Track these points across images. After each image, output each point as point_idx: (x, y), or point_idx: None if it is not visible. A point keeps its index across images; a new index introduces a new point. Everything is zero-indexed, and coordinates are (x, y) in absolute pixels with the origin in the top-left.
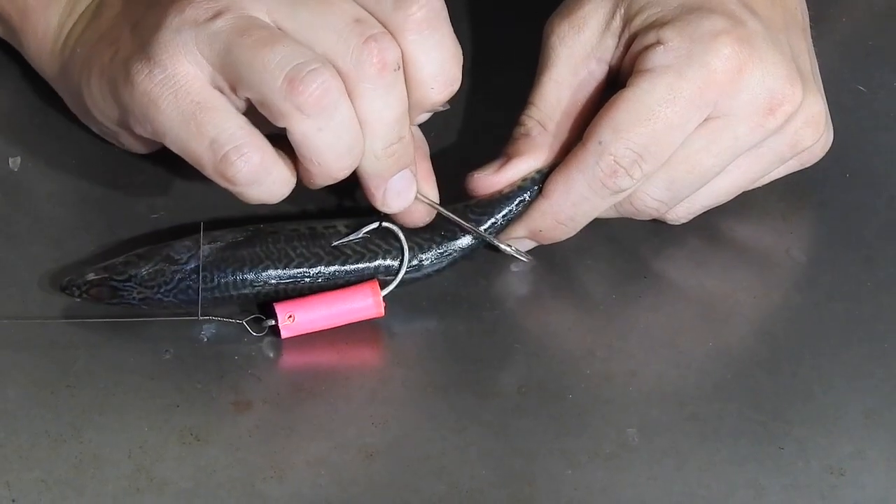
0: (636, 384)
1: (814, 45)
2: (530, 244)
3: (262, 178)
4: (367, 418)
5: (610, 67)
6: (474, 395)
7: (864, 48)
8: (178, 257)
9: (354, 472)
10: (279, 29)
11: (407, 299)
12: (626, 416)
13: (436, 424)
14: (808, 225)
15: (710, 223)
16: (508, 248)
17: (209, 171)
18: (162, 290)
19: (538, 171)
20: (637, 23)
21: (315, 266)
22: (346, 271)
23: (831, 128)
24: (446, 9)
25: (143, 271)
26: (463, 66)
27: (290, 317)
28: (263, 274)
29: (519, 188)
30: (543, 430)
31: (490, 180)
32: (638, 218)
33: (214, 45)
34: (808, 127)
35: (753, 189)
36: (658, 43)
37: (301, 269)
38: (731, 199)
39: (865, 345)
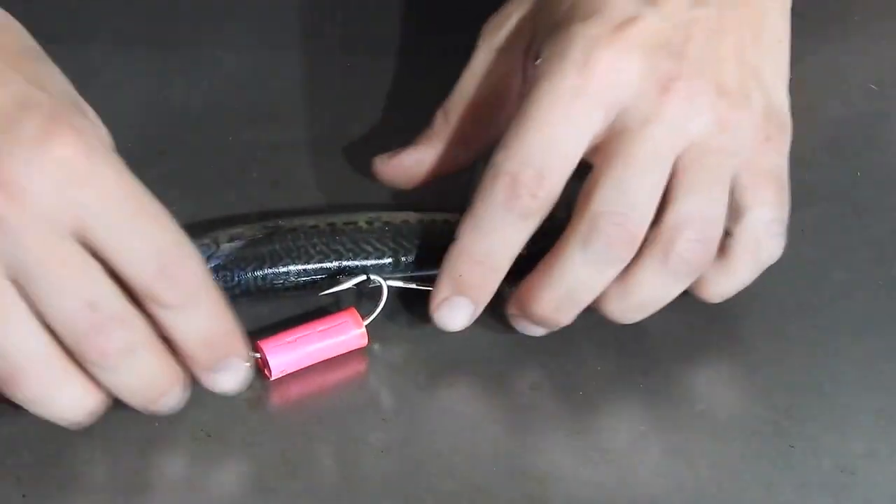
0: (647, 382)
1: (825, 44)
2: (466, 310)
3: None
4: (379, 415)
5: (525, 72)
6: (486, 392)
7: (877, 46)
8: None
9: (366, 469)
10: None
11: (420, 295)
12: (638, 413)
13: (447, 421)
14: (820, 223)
15: None
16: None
17: None
18: None
19: None
20: (539, 32)
21: (335, 262)
22: (365, 268)
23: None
24: (208, 279)
25: None
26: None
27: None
28: (283, 270)
29: None
30: (555, 428)
31: (385, 164)
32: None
33: None
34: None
35: None
36: (537, 55)
37: (321, 266)
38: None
39: (877, 343)
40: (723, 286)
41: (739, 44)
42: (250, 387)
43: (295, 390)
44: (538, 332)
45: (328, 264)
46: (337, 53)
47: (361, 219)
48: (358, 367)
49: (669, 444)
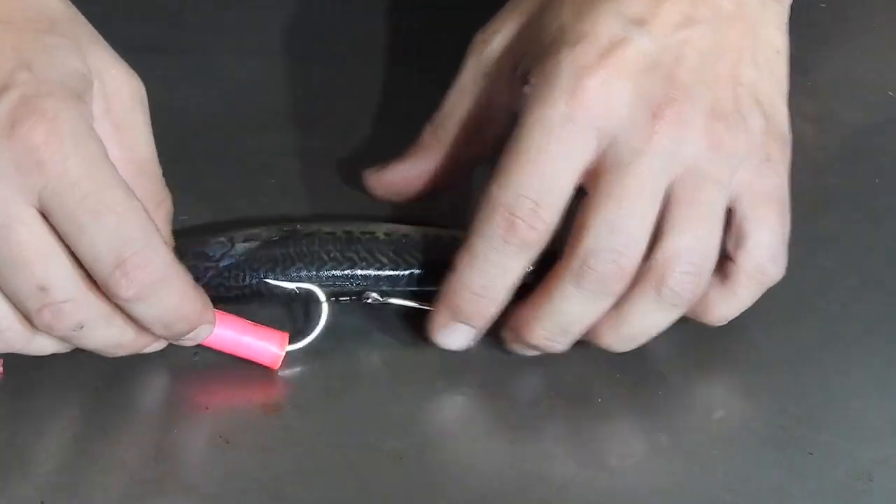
0: (664, 389)
1: (840, 51)
2: (466, 333)
3: None
4: (395, 422)
5: (512, 90)
6: (503, 398)
7: (893, 53)
8: (211, 254)
9: (382, 475)
10: None
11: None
12: (655, 420)
13: (463, 428)
14: (835, 230)
15: None
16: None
17: None
18: None
19: None
20: (527, 53)
21: (347, 270)
22: (379, 277)
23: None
24: (170, 270)
25: None
26: None
27: None
28: (294, 275)
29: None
30: (572, 435)
31: (374, 178)
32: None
33: None
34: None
35: None
36: (526, 78)
37: (333, 273)
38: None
39: (891, 349)
40: (725, 310)
41: (735, 62)
42: (266, 392)
43: (312, 397)
44: (534, 353)
45: (340, 272)
46: (347, 60)
47: (380, 230)
48: (373, 375)
49: (686, 451)
